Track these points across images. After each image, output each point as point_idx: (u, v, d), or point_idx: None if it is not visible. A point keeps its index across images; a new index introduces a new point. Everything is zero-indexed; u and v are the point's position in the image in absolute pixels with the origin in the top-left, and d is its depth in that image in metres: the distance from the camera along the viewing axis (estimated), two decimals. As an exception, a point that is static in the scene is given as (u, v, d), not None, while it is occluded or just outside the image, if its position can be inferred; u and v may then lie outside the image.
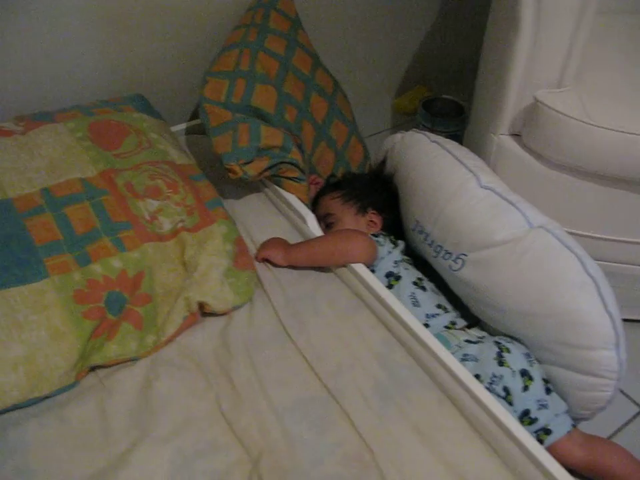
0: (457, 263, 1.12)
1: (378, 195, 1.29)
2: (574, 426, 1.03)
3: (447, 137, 1.64)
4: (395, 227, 1.28)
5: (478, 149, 1.28)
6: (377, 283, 1.04)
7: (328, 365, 0.96)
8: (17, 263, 0.94)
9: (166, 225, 1.06)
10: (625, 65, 1.22)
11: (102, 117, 1.22)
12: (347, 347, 0.99)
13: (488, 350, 1.04)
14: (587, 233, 1.20)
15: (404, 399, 0.91)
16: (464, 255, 1.10)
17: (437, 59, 2.01)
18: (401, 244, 1.23)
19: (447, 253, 1.13)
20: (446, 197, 1.13)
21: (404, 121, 1.90)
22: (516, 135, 1.19)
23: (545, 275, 1.02)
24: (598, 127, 1.06)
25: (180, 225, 1.07)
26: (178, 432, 0.87)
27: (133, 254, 1.00)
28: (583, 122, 1.04)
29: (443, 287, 1.20)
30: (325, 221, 1.27)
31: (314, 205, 1.31)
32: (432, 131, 1.64)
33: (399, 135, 1.32)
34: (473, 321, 1.16)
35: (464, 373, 0.91)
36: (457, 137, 1.67)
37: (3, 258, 0.94)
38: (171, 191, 1.11)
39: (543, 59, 1.08)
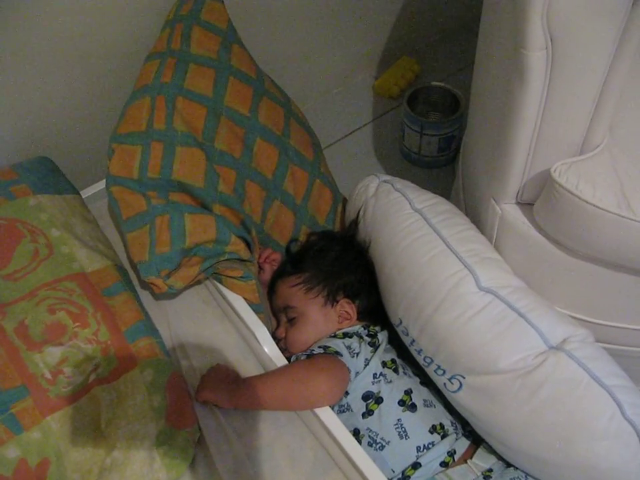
0: (452, 383, 0.87)
1: (350, 274, 0.99)
2: None
3: (440, 140, 1.34)
4: (373, 310, 1.01)
5: (474, 213, 0.97)
6: (346, 437, 0.80)
7: None
8: None
9: (75, 378, 0.83)
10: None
11: (-14, 216, 0.95)
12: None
13: (496, 508, 0.83)
14: (618, 324, 0.92)
15: None
16: (461, 376, 0.85)
17: (423, 22, 1.60)
18: (383, 338, 0.97)
19: (440, 368, 0.88)
20: (433, 303, 0.85)
21: (389, 108, 1.54)
22: (526, 204, 0.87)
23: (567, 419, 0.78)
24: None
25: (92, 376, 0.84)
26: None
27: (32, 434, 0.79)
28: (621, 216, 0.73)
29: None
30: (286, 315, 1.00)
31: (271, 292, 1.03)
32: (422, 135, 1.31)
33: (372, 187, 1.01)
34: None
35: None
36: (453, 139, 1.34)
37: None
38: (78, 324, 0.87)
39: (561, 116, 0.76)
